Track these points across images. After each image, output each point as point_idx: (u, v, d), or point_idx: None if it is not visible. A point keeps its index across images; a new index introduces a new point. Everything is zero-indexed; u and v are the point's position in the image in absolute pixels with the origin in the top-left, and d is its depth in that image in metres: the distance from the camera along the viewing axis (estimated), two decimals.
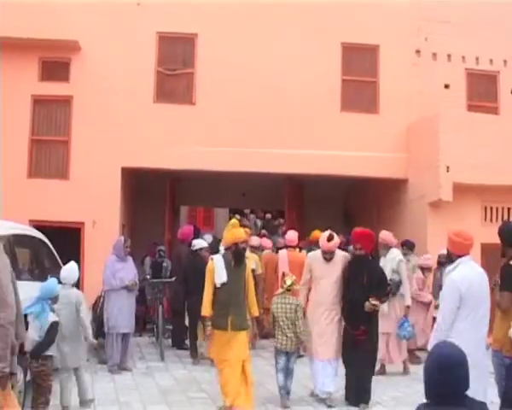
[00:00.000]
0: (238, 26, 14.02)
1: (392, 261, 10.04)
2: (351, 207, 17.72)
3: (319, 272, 8.21)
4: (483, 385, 5.48)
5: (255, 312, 7.66)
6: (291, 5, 14.07)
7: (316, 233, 12.94)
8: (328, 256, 8.19)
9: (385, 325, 9.60)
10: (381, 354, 9.53)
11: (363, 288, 7.89)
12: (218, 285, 7.31)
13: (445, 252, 11.79)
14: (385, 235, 10.43)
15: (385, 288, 8.24)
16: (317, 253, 8.40)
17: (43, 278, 8.70)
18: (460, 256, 5.64)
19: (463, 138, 12.83)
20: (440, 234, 11.14)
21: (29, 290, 7.70)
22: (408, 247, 12.78)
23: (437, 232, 11.87)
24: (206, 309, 7.41)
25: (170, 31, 14.00)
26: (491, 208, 13.56)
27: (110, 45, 13.70)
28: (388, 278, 9.24)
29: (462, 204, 12.87)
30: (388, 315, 9.84)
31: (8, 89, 13.23)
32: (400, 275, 10.01)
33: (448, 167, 12.83)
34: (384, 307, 9.04)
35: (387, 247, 10.25)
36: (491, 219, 13.39)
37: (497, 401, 6.02)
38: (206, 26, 13.96)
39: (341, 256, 8.33)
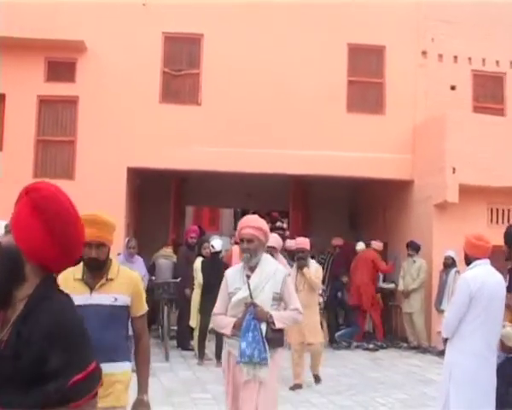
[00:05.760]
0: (244, 26, 14.01)
1: (274, 280, 4.95)
2: (356, 208, 17.68)
3: None
4: (493, 387, 5.47)
5: None
6: (297, 6, 14.05)
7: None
8: None
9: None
10: None
11: None
12: None
13: (451, 254, 11.83)
14: (269, 233, 5.32)
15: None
16: None
17: None
18: (478, 259, 5.63)
19: (469, 140, 12.80)
20: (446, 236, 11.16)
21: None
22: (413, 248, 12.72)
23: (443, 234, 11.83)
24: None
25: (176, 31, 14.01)
26: (497, 210, 13.49)
27: (116, 46, 13.70)
28: (268, 303, 4.85)
29: (468, 206, 12.81)
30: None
31: (13, 89, 13.29)
32: (285, 297, 4.99)
33: (454, 169, 12.78)
34: (259, 373, 4.71)
35: (270, 251, 5.68)
36: (497, 221, 13.32)
37: None
38: (212, 27, 13.96)
39: None
